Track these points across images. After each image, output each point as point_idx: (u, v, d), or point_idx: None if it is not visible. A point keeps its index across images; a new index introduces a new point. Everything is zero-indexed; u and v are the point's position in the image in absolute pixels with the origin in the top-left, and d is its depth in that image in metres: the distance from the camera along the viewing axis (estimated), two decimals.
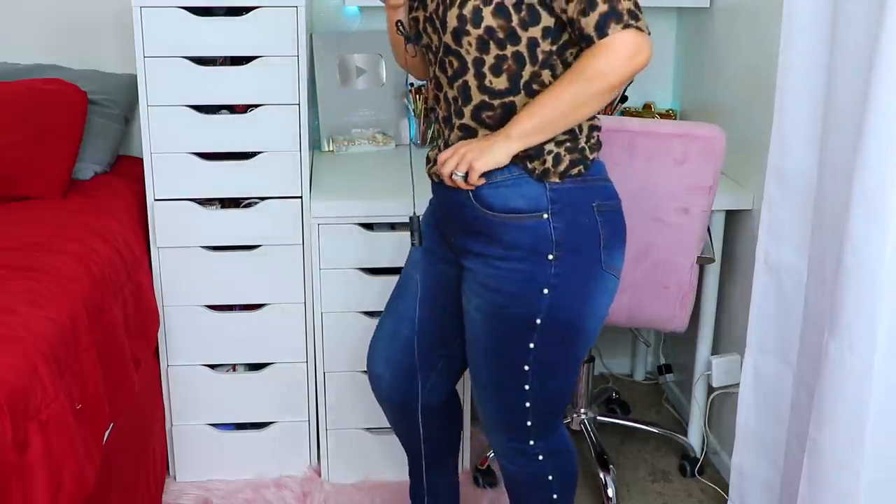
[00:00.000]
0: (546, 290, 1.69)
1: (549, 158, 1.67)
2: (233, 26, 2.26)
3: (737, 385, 2.32)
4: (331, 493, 2.50)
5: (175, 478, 2.55)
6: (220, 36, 2.26)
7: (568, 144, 1.68)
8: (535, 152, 1.67)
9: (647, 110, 2.93)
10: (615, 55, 1.55)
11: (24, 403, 1.54)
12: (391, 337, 1.98)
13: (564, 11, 1.59)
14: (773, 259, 2.11)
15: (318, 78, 2.80)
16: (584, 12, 1.56)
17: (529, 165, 1.68)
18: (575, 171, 1.69)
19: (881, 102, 1.60)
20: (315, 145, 2.79)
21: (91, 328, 1.89)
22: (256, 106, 2.32)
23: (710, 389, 2.60)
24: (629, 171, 2.21)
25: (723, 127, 2.24)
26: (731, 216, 2.54)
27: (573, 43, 1.65)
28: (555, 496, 1.93)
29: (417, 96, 2.82)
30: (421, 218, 1.85)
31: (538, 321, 1.71)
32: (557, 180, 1.68)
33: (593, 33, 1.56)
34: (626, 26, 1.54)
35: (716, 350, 2.64)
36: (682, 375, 2.97)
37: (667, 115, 2.91)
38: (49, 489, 1.55)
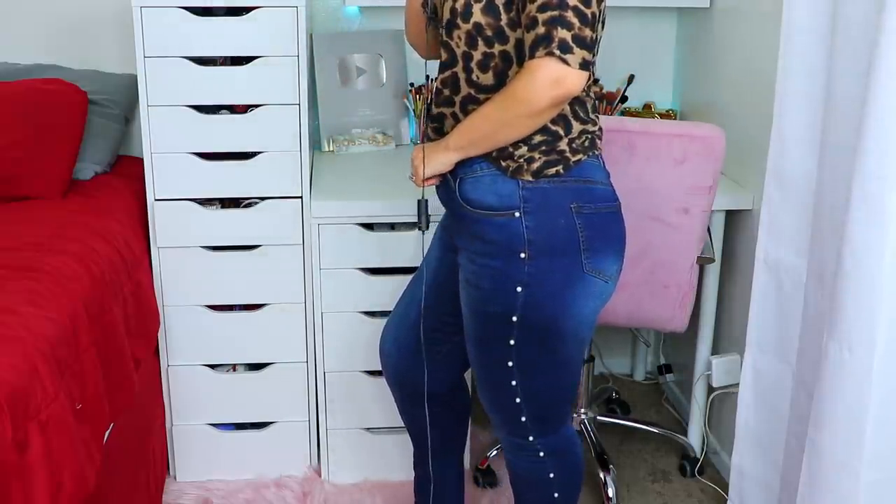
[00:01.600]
0: (520, 288, 1.70)
1: (521, 159, 1.68)
2: (233, 26, 2.26)
3: (737, 385, 2.32)
4: (331, 493, 2.50)
5: (175, 478, 2.55)
6: (220, 36, 2.26)
7: (543, 148, 1.68)
8: (505, 152, 1.68)
9: (647, 110, 2.93)
10: (534, 80, 1.55)
11: (24, 403, 1.54)
12: (401, 319, 2.02)
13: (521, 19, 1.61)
14: (772, 259, 2.11)
15: (318, 78, 2.80)
16: (528, 28, 1.56)
17: (502, 164, 1.69)
18: (552, 171, 1.68)
19: (880, 104, 1.60)
20: (315, 145, 2.79)
21: (91, 328, 1.89)
22: (256, 106, 2.32)
23: (710, 389, 2.60)
24: (629, 171, 2.21)
25: (723, 127, 2.24)
26: (731, 216, 2.54)
27: None
28: (556, 495, 1.93)
29: (417, 96, 2.82)
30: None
31: (514, 318, 1.72)
32: (531, 178, 1.68)
33: (527, 52, 1.57)
34: (550, 54, 1.53)
35: (716, 350, 2.64)
36: (682, 375, 2.97)
37: (667, 115, 2.91)
38: (49, 489, 1.55)
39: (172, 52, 2.26)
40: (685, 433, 2.72)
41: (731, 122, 2.50)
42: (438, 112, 1.77)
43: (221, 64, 2.32)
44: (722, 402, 2.64)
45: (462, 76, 1.70)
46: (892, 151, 1.60)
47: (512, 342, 1.75)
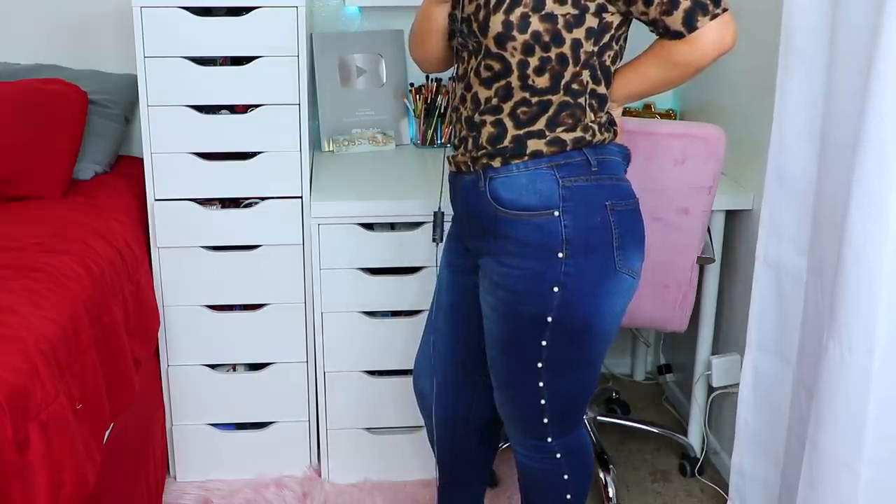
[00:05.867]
0: (556, 289, 1.69)
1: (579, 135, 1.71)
2: (233, 26, 2.26)
3: (737, 385, 2.32)
4: (331, 493, 2.50)
5: (175, 478, 2.55)
6: (220, 36, 2.26)
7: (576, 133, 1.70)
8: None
9: (647, 110, 2.93)
10: (703, 47, 1.64)
11: (24, 403, 1.54)
12: (430, 353, 2.00)
13: (645, 14, 1.62)
14: (772, 258, 2.11)
15: (318, 78, 2.80)
16: (668, 12, 1.60)
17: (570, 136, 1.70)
18: (597, 140, 1.72)
19: (880, 102, 1.60)
20: (315, 145, 2.79)
21: (91, 328, 1.89)
22: (256, 106, 2.32)
23: (710, 389, 2.60)
24: (629, 171, 2.20)
25: (723, 127, 2.24)
26: (731, 216, 2.54)
27: (611, 45, 1.69)
28: (568, 496, 1.93)
29: (417, 96, 2.82)
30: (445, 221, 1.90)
31: (549, 319, 1.72)
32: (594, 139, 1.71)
33: (682, 28, 1.62)
34: (714, 16, 1.61)
35: (716, 350, 2.64)
36: (682, 375, 2.97)
37: (667, 115, 2.91)
38: (49, 489, 1.55)
39: (172, 52, 2.26)
40: (685, 433, 2.72)
41: (731, 122, 2.50)
42: (480, 120, 1.73)
43: (221, 64, 2.32)
44: (722, 402, 2.64)
45: (516, 83, 1.68)
46: (892, 150, 1.60)
47: (544, 343, 1.74)
